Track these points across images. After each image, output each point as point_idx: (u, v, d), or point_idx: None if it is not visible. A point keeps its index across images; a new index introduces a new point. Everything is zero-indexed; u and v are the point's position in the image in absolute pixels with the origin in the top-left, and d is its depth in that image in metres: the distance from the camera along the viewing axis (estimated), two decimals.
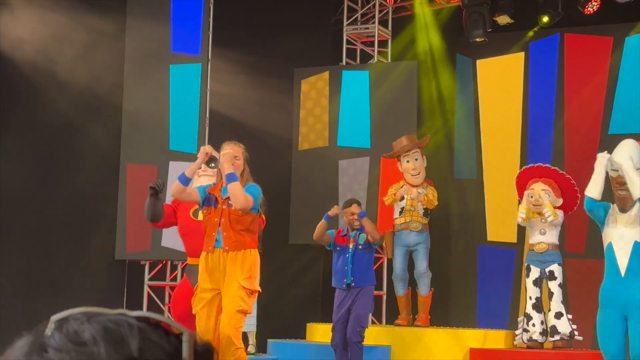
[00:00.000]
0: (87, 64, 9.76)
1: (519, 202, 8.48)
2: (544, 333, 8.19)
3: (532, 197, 8.11)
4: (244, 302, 6.09)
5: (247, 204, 6.14)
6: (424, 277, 8.88)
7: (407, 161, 9.04)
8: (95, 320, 1.01)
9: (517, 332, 8.55)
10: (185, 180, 6.25)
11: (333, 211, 7.87)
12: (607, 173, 6.05)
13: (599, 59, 11.36)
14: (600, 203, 6.13)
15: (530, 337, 8.20)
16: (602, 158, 6.07)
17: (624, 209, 6.08)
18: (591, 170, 6.22)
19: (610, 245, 6.05)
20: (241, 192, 6.11)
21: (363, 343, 7.67)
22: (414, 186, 8.98)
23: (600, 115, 11.36)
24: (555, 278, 8.12)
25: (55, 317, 1.02)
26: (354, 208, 7.82)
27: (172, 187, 6.30)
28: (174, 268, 10.13)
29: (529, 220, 8.14)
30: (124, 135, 9.93)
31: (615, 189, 6.09)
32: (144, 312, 1.04)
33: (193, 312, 6.23)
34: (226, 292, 6.13)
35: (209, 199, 6.32)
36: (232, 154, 6.30)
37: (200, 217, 6.53)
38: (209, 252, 6.23)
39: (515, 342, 8.57)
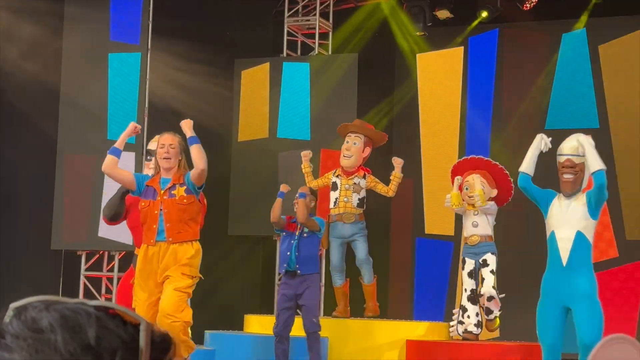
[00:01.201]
0: (29, 51, 9.64)
1: None
2: (479, 325, 8.27)
3: (466, 188, 8.18)
4: (185, 283, 6.12)
5: (205, 168, 6.23)
6: (366, 264, 8.84)
7: (347, 142, 8.96)
8: (53, 309, 1.01)
9: (452, 323, 8.62)
10: (116, 152, 6.29)
11: (284, 187, 8.00)
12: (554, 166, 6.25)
13: (536, 54, 11.52)
14: (543, 190, 6.26)
15: (465, 329, 8.28)
16: (538, 137, 6.34)
17: (568, 195, 6.21)
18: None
19: (553, 234, 6.14)
20: (204, 155, 6.22)
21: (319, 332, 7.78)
22: (345, 172, 8.89)
23: (538, 110, 11.52)
24: (487, 265, 8.19)
25: (14, 305, 1.02)
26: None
27: (105, 162, 6.29)
28: (111, 259, 10.05)
29: (459, 206, 8.18)
30: (62, 125, 9.81)
31: (561, 172, 6.22)
32: (102, 302, 1.04)
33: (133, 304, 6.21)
34: (167, 279, 6.12)
35: (146, 192, 6.25)
36: (191, 121, 6.38)
37: None
38: (150, 245, 6.18)
39: (450, 334, 8.65)
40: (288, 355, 7.77)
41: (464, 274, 8.27)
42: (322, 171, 10.22)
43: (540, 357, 8.19)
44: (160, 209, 6.17)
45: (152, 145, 6.92)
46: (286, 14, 11.54)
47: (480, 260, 8.20)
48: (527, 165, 6.36)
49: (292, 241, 7.82)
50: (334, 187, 8.89)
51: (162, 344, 1.04)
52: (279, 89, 11.05)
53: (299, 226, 7.84)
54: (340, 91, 10.72)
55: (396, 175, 8.93)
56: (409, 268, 11.74)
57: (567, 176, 6.19)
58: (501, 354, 8.06)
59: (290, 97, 11.00)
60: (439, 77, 11.81)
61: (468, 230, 8.25)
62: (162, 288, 6.12)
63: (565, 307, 6.20)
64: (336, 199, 8.86)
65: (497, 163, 8.35)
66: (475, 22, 11.59)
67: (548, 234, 6.18)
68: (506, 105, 11.63)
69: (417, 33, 11.13)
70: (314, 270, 7.89)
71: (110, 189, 7.14)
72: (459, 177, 8.22)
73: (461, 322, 8.33)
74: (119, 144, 6.33)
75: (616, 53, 11.25)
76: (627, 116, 11.02)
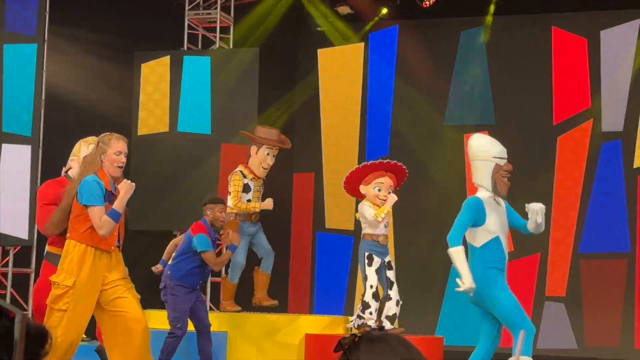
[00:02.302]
0: None
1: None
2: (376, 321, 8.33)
3: (379, 190, 8.23)
4: None
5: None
6: (272, 254, 9.04)
7: (268, 154, 9.04)
8: None
9: (351, 318, 8.67)
10: (118, 217, 5.83)
11: (236, 240, 8.21)
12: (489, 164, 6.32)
13: (435, 51, 11.68)
14: (471, 213, 6.28)
15: (365, 323, 8.33)
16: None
17: (504, 197, 6.34)
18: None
19: (498, 238, 6.27)
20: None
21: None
22: (256, 175, 9.01)
23: (436, 106, 11.69)
24: (392, 268, 8.28)
25: None
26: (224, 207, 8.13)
27: (107, 226, 5.75)
28: (5, 253, 9.84)
29: (384, 216, 8.23)
30: None
31: (502, 175, 6.33)
32: None
33: (61, 307, 5.77)
34: (126, 286, 5.94)
35: (107, 197, 5.93)
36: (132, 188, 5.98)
37: None
38: (110, 252, 5.90)
39: (348, 325, 8.70)
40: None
41: (370, 271, 8.27)
42: (223, 166, 10.20)
43: (439, 349, 8.33)
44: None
45: (83, 151, 6.71)
46: (187, 7, 11.44)
47: (385, 261, 8.27)
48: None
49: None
50: (247, 188, 8.98)
51: (38, 337, 1.02)
52: (179, 83, 10.96)
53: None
54: (241, 85, 10.69)
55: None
56: (309, 262, 11.79)
57: (507, 180, 6.35)
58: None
59: (190, 91, 10.92)
60: (340, 72, 11.88)
61: (381, 229, 8.29)
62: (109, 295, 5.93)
63: None
64: (248, 200, 8.96)
65: (402, 164, 8.39)
66: (376, 19, 11.69)
67: (490, 237, 6.26)
68: (407, 100, 11.76)
69: (318, 28, 11.16)
70: None
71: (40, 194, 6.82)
72: (374, 185, 8.20)
73: (360, 317, 8.38)
74: (120, 208, 5.83)
75: (503, 50, 11.48)
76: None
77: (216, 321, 8.64)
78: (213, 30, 11.51)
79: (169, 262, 8.20)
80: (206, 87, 10.86)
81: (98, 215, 5.74)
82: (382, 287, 8.26)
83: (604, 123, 11.13)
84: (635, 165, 10.92)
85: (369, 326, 8.30)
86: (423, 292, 11.25)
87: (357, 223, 11.04)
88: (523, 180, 11.11)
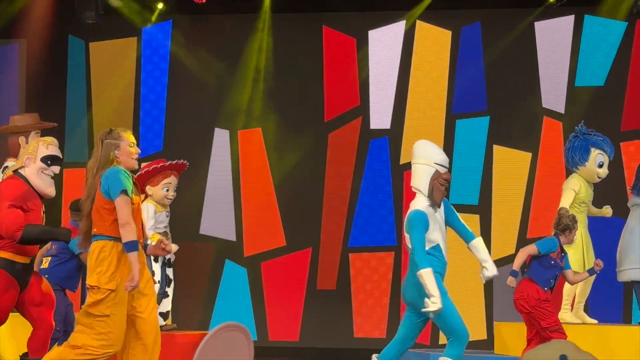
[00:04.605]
0: None
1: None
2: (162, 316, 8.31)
3: (167, 190, 8.18)
4: None
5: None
6: None
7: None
8: None
9: None
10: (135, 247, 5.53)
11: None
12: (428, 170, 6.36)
13: (208, 46, 11.68)
14: (424, 223, 6.31)
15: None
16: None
17: (438, 205, 6.37)
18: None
19: (438, 245, 6.32)
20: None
21: None
22: None
23: (212, 100, 11.69)
24: (172, 266, 8.27)
25: None
26: None
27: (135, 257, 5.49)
28: None
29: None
30: None
31: (441, 184, 6.34)
32: None
33: (104, 311, 5.53)
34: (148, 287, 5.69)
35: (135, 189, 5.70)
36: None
37: None
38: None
39: None
40: None
41: (157, 267, 8.22)
42: None
43: None
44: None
45: (52, 149, 6.42)
46: None
47: (167, 258, 8.24)
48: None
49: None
50: None
51: None
52: None
53: None
54: (3, 81, 10.33)
55: None
56: None
57: (444, 189, 6.39)
58: (172, 344, 8.12)
59: None
60: (113, 66, 11.70)
61: (159, 228, 8.24)
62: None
63: None
64: None
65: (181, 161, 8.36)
66: (155, 14, 11.58)
67: (430, 246, 6.29)
68: (180, 95, 11.71)
69: (89, 21, 10.90)
70: None
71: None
72: (163, 185, 8.12)
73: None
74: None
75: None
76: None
77: None
78: None
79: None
80: None
81: (128, 205, 5.52)
82: (161, 285, 8.24)
83: (372, 120, 11.47)
84: (401, 162, 11.31)
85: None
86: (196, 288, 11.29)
87: None
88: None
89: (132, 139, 5.81)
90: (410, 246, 6.32)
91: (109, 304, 5.50)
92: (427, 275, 6.13)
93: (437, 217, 6.36)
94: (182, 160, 8.33)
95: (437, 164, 6.38)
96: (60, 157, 6.56)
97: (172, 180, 8.24)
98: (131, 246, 5.46)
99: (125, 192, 5.52)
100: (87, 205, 5.65)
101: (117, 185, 5.53)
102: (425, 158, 6.41)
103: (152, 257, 8.05)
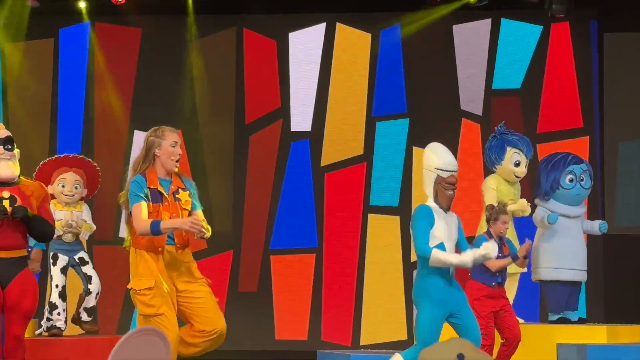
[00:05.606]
0: None
1: None
2: (66, 321, 8.21)
3: (63, 186, 8.06)
4: None
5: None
6: None
7: None
8: None
9: (42, 322, 8.47)
10: (156, 232, 5.66)
11: None
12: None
13: (126, 48, 11.61)
14: (428, 220, 6.28)
15: (54, 325, 8.18)
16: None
17: (447, 209, 6.37)
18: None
19: (442, 244, 6.28)
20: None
21: None
22: None
23: (126, 106, 11.62)
24: (87, 263, 8.17)
25: None
26: None
27: (142, 230, 5.67)
28: None
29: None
30: None
31: (445, 188, 6.32)
32: None
33: (158, 311, 5.69)
34: (199, 289, 5.91)
35: (153, 196, 5.71)
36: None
37: None
38: (159, 253, 5.71)
39: (36, 332, 8.48)
40: None
41: (55, 270, 8.14)
42: None
43: None
44: (171, 214, 5.79)
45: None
46: None
47: (76, 258, 8.15)
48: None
49: None
50: None
51: None
52: None
53: None
54: None
55: None
56: None
57: (450, 192, 6.37)
58: (86, 348, 8.05)
59: None
60: (26, 68, 11.55)
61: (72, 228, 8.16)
62: None
63: (449, 313, 6.38)
64: None
65: (91, 161, 8.27)
66: (85, 14, 11.47)
67: (435, 244, 6.25)
68: (99, 98, 11.60)
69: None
70: None
71: None
72: (58, 182, 8.01)
73: (49, 319, 8.22)
74: (166, 228, 5.71)
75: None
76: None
77: None
78: None
79: None
80: None
81: (137, 211, 5.64)
82: (82, 283, 8.15)
83: (293, 123, 11.50)
84: (322, 164, 11.37)
85: (59, 327, 8.17)
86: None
87: None
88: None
89: (176, 138, 5.85)
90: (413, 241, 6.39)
91: (155, 302, 5.78)
92: (437, 256, 6.17)
93: (447, 218, 6.41)
94: (74, 154, 8.11)
95: (438, 169, 6.43)
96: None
97: (68, 176, 7.90)
98: (153, 228, 5.66)
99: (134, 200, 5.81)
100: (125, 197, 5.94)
101: (130, 197, 5.85)
102: (426, 164, 6.51)
103: (50, 261, 7.97)
